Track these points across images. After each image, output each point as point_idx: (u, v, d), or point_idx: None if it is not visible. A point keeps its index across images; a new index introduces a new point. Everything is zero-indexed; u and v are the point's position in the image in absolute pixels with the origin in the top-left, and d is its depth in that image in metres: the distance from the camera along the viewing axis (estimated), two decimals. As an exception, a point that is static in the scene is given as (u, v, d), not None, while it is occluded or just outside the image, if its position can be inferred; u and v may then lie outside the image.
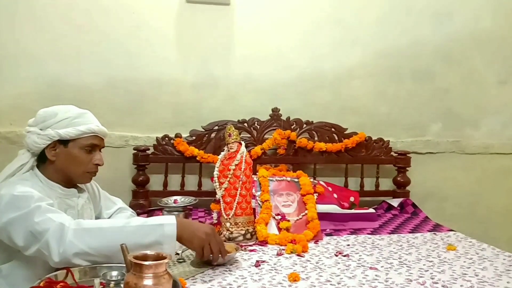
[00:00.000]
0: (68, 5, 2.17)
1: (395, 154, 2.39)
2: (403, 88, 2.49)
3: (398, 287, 1.24)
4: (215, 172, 1.68)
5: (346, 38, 2.41)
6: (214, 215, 1.75)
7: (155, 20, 2.24)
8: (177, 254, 1.44)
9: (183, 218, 1.37)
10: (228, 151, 1.69)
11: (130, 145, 2.24)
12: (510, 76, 2.61)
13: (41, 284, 1.03)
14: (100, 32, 2.20)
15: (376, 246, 1.64)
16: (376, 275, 1.33)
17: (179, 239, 1.23)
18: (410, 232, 1.87)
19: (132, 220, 1.25)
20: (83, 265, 1.15)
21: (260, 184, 1.89)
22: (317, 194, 1.93)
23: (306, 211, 1.81)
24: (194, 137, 2.22)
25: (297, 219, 1.78)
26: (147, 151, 2.18)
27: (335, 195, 2.05)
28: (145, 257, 0.98)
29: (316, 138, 2.32)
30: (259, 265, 1.39)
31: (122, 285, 1.01)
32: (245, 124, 2.26)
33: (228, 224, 1.63)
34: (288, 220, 1.76)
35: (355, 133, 2.34)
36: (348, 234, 1.82)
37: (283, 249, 1.56)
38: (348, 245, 1.66)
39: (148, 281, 0.94)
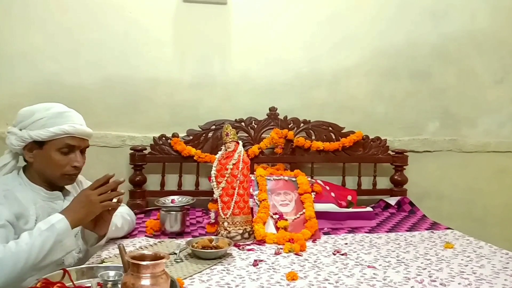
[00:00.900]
0: (64, 5, 2.16)
1: (392, 153, 2.40)
2: (400, 87, 2.50)
3: (396, 285, 1.24)
4: (213, 172, 1.67)
5: (344, 38, 2.41)
6: (212, 215, 1.74)
7: (152, 19, 2.24)
8: (175, 253, 1.44)
9: (68, 206, 1.30)
10: (226, 150, 1.69)
11: (127, 145, 2.23)
12: (507, 75, 2.62)
13: (38, 285, 1.02)
14: (96, 31, 2.19)
15: (374, 245, 1.64)
16: (374, 274, 1.33)
17: (78, 223, 1.27)
18: (407, 231, 1.87)
19: (26, 235, 1.18)
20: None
21: (257, 183, 1.89)
22: (314, 193, 1.93)
23: (303, 210, 1.80)
24: (191, 137, 2.22)
25: (295, 218, 1.78)
26: (144, 151, 2.17)
27: (332, 194, 2.05)
28: (142, 257, 0.97)
29: (313, 137, 2.32)
30: (257, 264, 1.39)
31: (119, 285, 1.01)
32: (243, 124, 2.26)
33: (226, 224, 1.63)
34: (286, 219, 1.76)
35: (353, 132, 2.35)
36: (346, 233, 1.82)
37: (281, 248, 1.55)
38: (346, 243, 1.66)
39: (145, 281, 0.93)
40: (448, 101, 2.56)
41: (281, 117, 2.30)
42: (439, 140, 2.55)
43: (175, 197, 1.79)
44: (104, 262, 1.31)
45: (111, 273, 1.14)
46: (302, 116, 2.32)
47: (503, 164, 2.64)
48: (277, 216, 1.77)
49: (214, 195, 1.67)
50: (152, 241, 1.62)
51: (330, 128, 2.35)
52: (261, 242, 1.63)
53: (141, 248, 1.51)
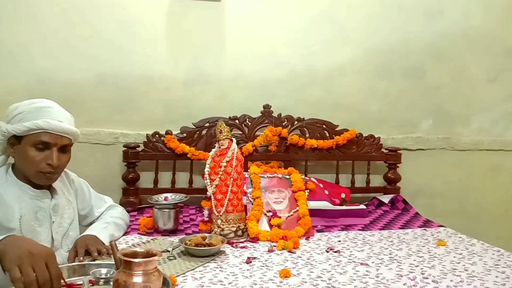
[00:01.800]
0: (57, 1, 2.14)
1: (385, 151, 2.40)
2: (394, 85, 2.50)
3: (389, 282, 1.24)
4: (206, 169, 1.67)
5: (338, 36, 2.41)
6: (205, 212, 1.74)
7: (146, 16, 2.22)
8: (168, 251, 1.44)
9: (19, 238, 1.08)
10: (219, 147, 1.68)
11: (120, 142, 2.22)
12: (500, 73, 2.63)
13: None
14: (90, 28, 2.17)
15: (367, 242, 1.65)
16: (367, 271, 1.33)
17: None
18: (400, 228, 1.88)
19: None
20: None
21: (251, 181, 1.89)
22: (308, 191, 1.93)
23: (297, 208, 1.81)
24: (185, 134, 2.21)
25: (289, 216, 1.78)
26: (137, 148, 2.16)
27: (326, 192, 2.05)
28: (134, 255, 0.97)
29: (307, 135, 2.32)
30: (250, 262, 1.39)
31: (111, 283, 1.00)
32: (237, 121, 2.26)
33: (219, 221, 1.63)
34: (280, 217, 1.76)
35: (346, 130, 2.35)
36: (339, 230, 1.82)
37: (274, 246, 1.55)
38: (339, 241, 1.66)
39: (137, 279, 0.93)
40: (441, 99, 2.57)
41: (275, 114, 2.29)
42: (433, 138, 2.57)
43: (169, 195, 1.79)
44: (96, 259, 1.31)
45: (103, 270, 1.13)
46: (296, 114, 2.32)
47: (495, 162, 2.66)
48: (271, 213, 1.77)
49: (208, 193, 1.66)
50: (145, 238, 1.62)
51: (324, 126, 2.35)
52: (255, 239, 1.63)
53: (134, 246, 1.51)
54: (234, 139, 1.72)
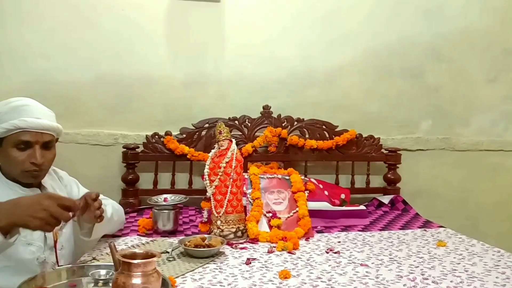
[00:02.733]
0: (55, 2, 2.13)
1: (385, 151, 2.40)
2: (394, 86, 2.50)
3: (389, 283, 1.24)
4: (206, 170, 1.67)
5: (337, 36, 2.41)
6: (205, 213, 1.74)
7: (145, 17, 2.22)
8: (167, 252, 1.44)
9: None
10: (219, 148, 1.68)
11: (119, 143, 2.21)
12: (499, 74, 2.63)
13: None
14: (88, 29, 2.17)
15: (366, 243, 1.64)
16: (366, 272, 1.33)
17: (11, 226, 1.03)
18: (400, 229, 1.88)
19: None
20: None
21: (251, 181, 1.89)
22: (308, 192, 1.93)
23: (297, 209, 1.80)
24: (184, 135, 2.21)
25: (288, 217, 1.78)
26: (136, 149, 2.16)
27: (326, 192, 2.05)
28: (133, 256, 0.97)
29: (307, 136, 2.32)
30: (250, 263, 1.39)
31: (110, 284, 1.00)
32: (236, 122, 2.25)
33: (218, 222, 1.63)
34: (279, 218, 1.75)
35: (346, 131, 2.35)
36: (339, 231, 1.82)
37: (274, 247, 1.55)
38: (339, 242, 1.66)
39: (136, 280, 0.93)
40: (441, 100, 2.57)
41: (274, 115, 2.29)
42: (432, 138, 2.56)
43: (168, 196, 1.79)
44: (95, 260, 1.30)
45: (102, 271, 1.13)
46: (295, 115, 2.32)
47: (495, 163, 2.66)
48: (271, 214, 1.77)
49: (207, 194, 1.66)
50: (144, 239, 1.61)
51: (324, 127, 2.35)
52: (254, 240, 1.63)
53: (133, 247, 1.50)
54: (233, 140, 1.72)
